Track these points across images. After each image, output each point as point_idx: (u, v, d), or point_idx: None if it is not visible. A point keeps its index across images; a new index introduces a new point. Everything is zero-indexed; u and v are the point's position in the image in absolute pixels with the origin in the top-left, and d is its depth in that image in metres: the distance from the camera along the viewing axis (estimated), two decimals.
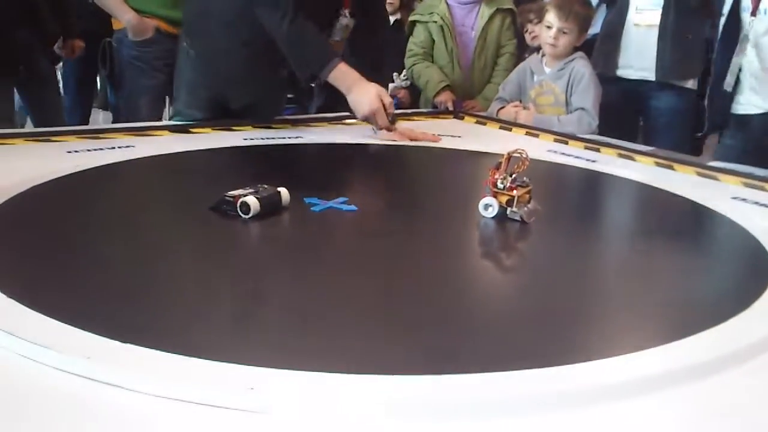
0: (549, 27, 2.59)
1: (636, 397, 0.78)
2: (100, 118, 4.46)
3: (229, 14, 2.21)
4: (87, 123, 3.81)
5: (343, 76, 2.13)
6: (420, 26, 3.08)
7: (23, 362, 0.81)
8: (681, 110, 2.83)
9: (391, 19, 3.22)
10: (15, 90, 3.29)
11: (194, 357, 0.79)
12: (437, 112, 2.88)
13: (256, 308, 1.01)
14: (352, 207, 1.47)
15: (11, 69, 3.09)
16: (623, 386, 0.80)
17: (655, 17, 2.74)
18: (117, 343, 0.82)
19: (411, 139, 2.22)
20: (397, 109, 3.00)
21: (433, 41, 3.05)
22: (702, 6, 2.78)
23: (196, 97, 2.37)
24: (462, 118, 2.76)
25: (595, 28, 2.99)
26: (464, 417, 0.74)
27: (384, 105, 2.12)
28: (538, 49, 2.81)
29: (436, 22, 3.02)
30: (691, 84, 2.82)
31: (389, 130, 2.15)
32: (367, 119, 2.16)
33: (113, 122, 3.56)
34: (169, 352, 0.80)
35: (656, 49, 2.74)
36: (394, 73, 3.12)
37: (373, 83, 2.14)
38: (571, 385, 0.80)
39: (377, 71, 2.37)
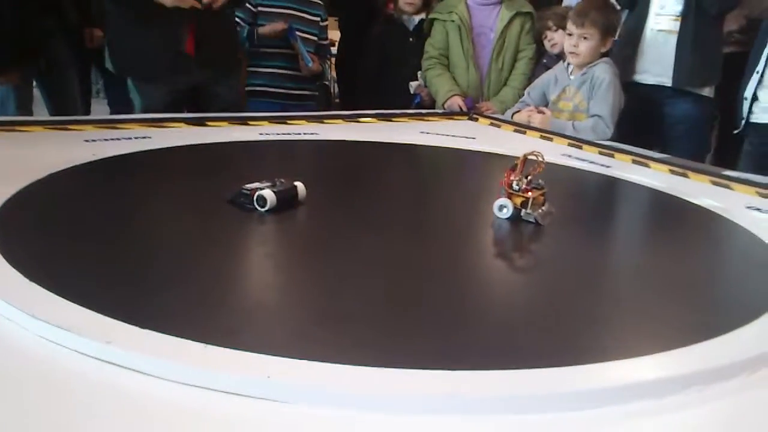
0: (570, 35, 2.58)
1: (647, 400, 0.79)
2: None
3: None
4: None
5: None
6: (438, 25, 3.08)
7: (43, 344, 0.82)
8: (696, 117, 2.82)
9: (416, 19, 3.21)
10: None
11: (212, 344, 0.80)
12: (451, 113, 2.89)
13: (273, 299, 1.02)
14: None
15: (32, 58, 3.11)
16: (634, 388, 0.81)
17: (674, 23, 2.74)
18: (136, 328, 0.83)
19: None
20: (418, 107, 3.03)
21: (450, 42, 3.05)
22: (722, 14, 2.77)
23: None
24: (476, 120, 2.77)
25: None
26: (479, 412, 0.75)
27: None
28: (560, 56, 2.80)
29: (453, 21, 3.02)
30: (707, 92, 2.81)
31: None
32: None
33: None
34: (186, 338, 0.82)
35: (674, 55, 2.74)
36: (418, 72, 3.13)
37: None
38: (582, 385, 0.80)
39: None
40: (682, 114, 2.81)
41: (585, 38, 2.54)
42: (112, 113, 3.76)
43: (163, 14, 2.30)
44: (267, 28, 3.02)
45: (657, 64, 2.78)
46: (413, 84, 3.13)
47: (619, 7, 2.93)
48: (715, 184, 1.91)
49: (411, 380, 0.78)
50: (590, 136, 2.43)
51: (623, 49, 2.87)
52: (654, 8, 2.80)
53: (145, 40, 2.36)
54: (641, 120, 2.83)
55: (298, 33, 3.04)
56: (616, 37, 2.94)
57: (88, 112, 3.87)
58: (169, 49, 2.36)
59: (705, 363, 0.86)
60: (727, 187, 1.87)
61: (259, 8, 3.04)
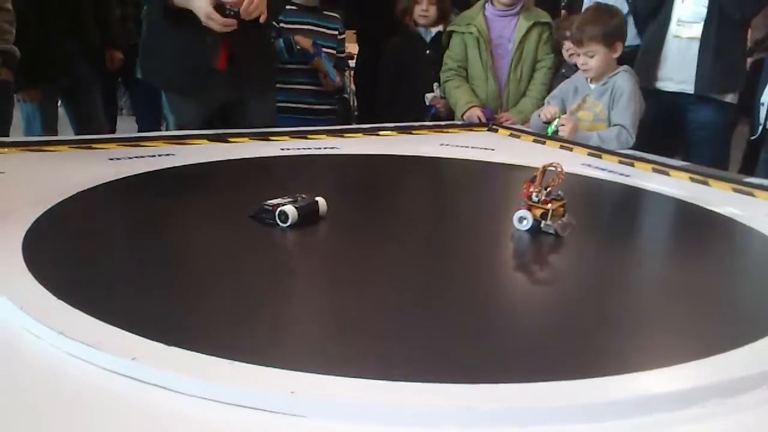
0: (577, 55, 2.63)
1: (667, 412, 0.79)
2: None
3: None
4: None
5: None
6: (456, 37, 3.09)
7: (71, 361, 0.84)
8: (719, 124, 2.80)
9: (433, 31, 3.24)
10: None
11: (236, 360, 0.82)
12: (471, 124, 2.90)
13: (295, 314, 1.03)
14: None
15: (56, 78, 3.17)
16: (653, 400, 0.81)
17: (696, 30, 2.72)
18: (161, 345, 0.85)
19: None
20: (434, 119, 3.04)
21: (468, 54, 3.07)
22: (745, 20, 2.76)
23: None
24: (496, 131, 2.77)
25: (637, 40, 2.98)
26: (499, 425, 0.76)
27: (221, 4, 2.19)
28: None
29: (472, 33, 3.03)
30: (730, 98, 2.79)
31: (229, 25, 2.20)
32: (209, 22, 2.20)
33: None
34: (211, 355, 0.83)
35: (696, 61, 2.73)
36: (434, 84, 3.15)
37: None
38: (601, 397, 0.80)
39: None
40: (704, 120, 2.80)
41: (590, 56, 2.55)
42: (140, 130, 3.81)
43: (196, 28, 2.30)
44: (300, 36, 3.04)
45: (679, 71, 2.77)
46: (429, 96, 3.15)
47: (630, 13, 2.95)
48: (737, 191, 1.89)
49: (430, 394, 0.78)
50: (614, 145, 2.43)
51: (646, 56, 2.87)
52: (676, 15, 2.79)
53: (178, 53, 2.36)
54: (664, 127, 2.82)
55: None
56: (639, 43, 2.95)
57: (114, 130, 3.94)
58: (201, 64, 2.36)
59: (726, 374, 0.86)
60: (750, 194, 1.86)
61: (281, 24, 3.07)
